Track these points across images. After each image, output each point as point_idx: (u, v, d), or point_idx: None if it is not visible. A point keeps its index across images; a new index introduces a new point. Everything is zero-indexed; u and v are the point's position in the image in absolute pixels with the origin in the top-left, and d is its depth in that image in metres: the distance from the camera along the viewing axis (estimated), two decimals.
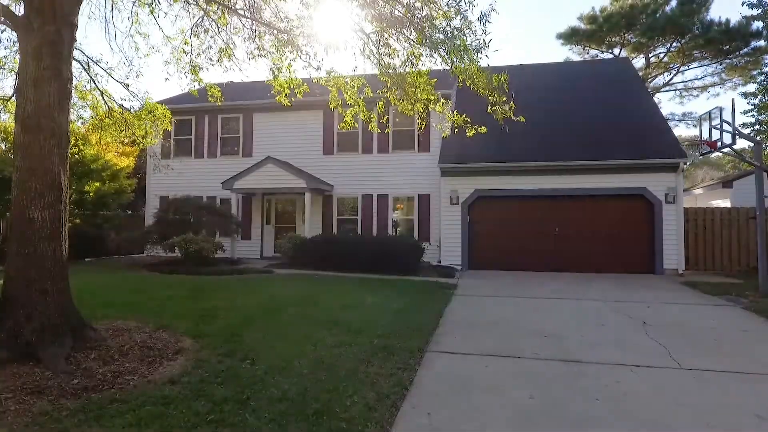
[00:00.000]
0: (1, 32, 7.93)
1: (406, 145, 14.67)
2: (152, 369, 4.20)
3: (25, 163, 4.49)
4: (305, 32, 6.76)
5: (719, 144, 9.45)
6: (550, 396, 3.87)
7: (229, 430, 3.14)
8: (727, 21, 25.02)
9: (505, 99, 6.58)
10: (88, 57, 8.16)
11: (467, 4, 5.86)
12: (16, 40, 6.55)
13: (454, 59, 5.91)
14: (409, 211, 14.75)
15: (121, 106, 9.13)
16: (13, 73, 8.04)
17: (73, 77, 5.21)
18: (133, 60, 15.61)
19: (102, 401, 3.48)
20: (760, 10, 17.90)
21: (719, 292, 8.97)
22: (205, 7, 7.09)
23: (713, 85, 28.85)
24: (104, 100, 8.79)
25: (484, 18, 5.78)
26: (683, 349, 5.15)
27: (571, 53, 31.17)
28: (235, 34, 7.34)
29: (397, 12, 6.13)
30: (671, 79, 29.62)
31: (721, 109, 9.31)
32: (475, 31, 5.91)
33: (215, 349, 4.79)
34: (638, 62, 28.74)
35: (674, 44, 27.20)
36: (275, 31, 6.94)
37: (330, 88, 7.40)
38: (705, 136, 9.69)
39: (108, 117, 9.21)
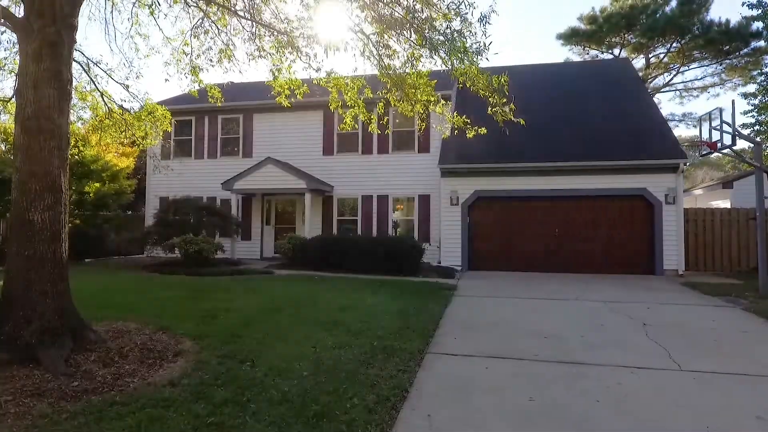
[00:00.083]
0: (1, 34, 7.96)
1: (406, 146, 14.67)
2: (152, 371, 4.19)
3: (25, 165, 4.49)
4: (305, 33, 6.76)
5: (719, 145, 9.46)
6: (551, 397, 3.87)
7: None
8: (727, 21, 25.07)
9: (505, 101, 6.58)
10: (88, 58, 8.18)
11: (467, 6, 5.86)
12: (16, 41, 6.57)
13: (455, 61, 5.92)
14: (409, 211, 14.75)
15: (121, 107, 9.14)
16: (13, 74, 8.05)
17: (73, 78, 5.21)
18: (133, 61, 15.70)
19: (102, 404, 3.48)
20: (759, 11, 17.87)
21: (719, 292, 8.97)
22: (205, 8, 7.09)
23: (713, 85, 28.90)
24: (104, 101, 8.81)
25: (484, 19, 5.78)
26: (683, 351, 5.15)
27: (571, 54, 31.25)
28: (235, 36, 7.35)
29: (397, 13, 6.12)
30: (671, 79, 29.65)
31: (721, 110, 9.33)
32: (475, 32, 5.91)
33: (215, 351, 4.79)
34: (638, 63, 28.75)
35: (674, 45, 27.21)
36: (275, 33, 6.94)
37: (330, 89, 7.41)
38: (705, 136, 9.70)
39: (108, 118, 9.23)
